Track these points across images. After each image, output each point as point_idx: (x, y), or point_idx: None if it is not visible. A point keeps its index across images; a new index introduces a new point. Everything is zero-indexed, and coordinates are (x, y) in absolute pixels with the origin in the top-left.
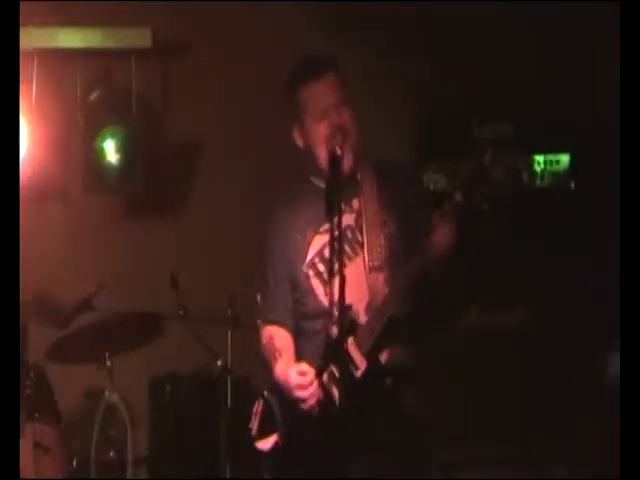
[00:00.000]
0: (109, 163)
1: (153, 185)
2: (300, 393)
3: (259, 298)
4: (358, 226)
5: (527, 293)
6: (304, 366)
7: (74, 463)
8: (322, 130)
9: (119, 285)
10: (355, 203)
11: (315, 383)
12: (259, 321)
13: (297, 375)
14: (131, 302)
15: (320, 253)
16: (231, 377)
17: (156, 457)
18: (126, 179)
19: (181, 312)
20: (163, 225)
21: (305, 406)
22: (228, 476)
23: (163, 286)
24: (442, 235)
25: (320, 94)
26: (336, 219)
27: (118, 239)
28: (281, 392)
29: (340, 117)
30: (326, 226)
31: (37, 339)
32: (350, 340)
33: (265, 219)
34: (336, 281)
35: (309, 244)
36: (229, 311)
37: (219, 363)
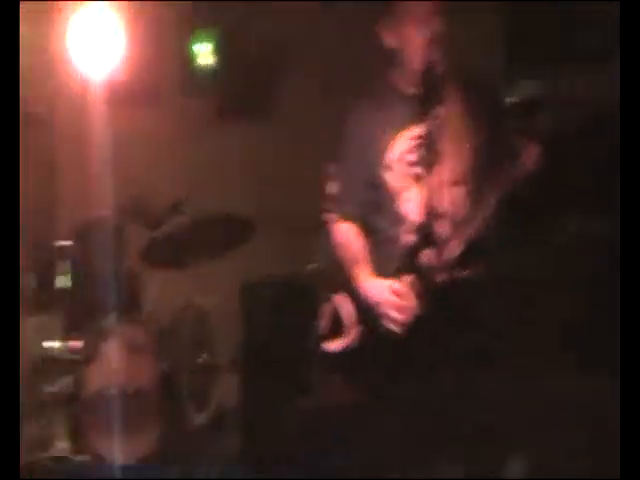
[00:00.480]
0: (203, 66)
1: (246, 88)
2: (395, 314)
3: (332, 189)
4: (442, 135)
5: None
6: (398, 285)
7: (165, 367)
8: (422, 35)
9: (211, 189)
10: (441, 111)
11: (411, 304)
12: (331, 215)
13: (394, 295)
14: (223, 206)
15: (401, 157)
16: (324, 282)
17: (247, 363)
18: (219, 82)
19: (272, 215)
20: (256, 128)
21: (395, 324)
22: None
23: (256, 189)
24: (530, 153)
25: None
26: (422, 125)
27: (211, 143)
28: (354, 294)
29: (440, 25)
30: (410, 130)
31: (133, 243)
32: (428, 252)
33: (348, 118)
34: (416, 188)
35: (390, 146)
36: (323, 214)
37: (312, 267)
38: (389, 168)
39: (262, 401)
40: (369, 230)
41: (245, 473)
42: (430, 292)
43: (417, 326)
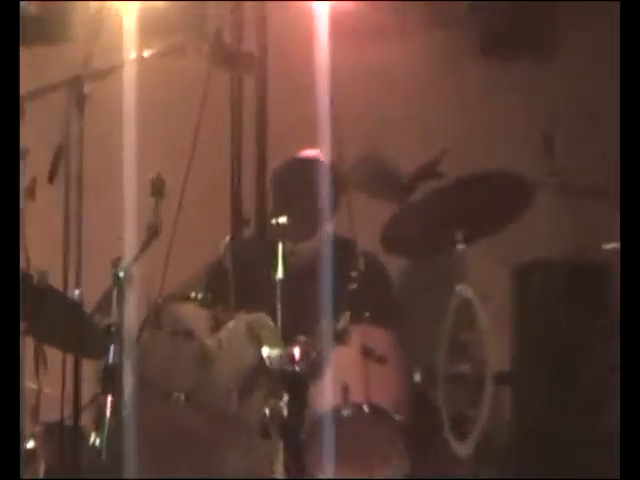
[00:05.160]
0: None
1: (506, 18)
2: None
3: None
4: None
5: None
6: None
7: (417, 377)
8: None
9: (473, 145)
10: None
11: None
12: None
13: None
14: (493, 163)
15: None
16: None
17: (523, 373)
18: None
19: (554, 180)
20: (531, 66)
21: None
22: None
23: (529, 142)
24: None
25: None
26: None
27: (466, 86)
28: None
29: None
30: None
31: (368, 221)
32: None
33: None
34: None
35: None
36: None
37: (610, 246)
38: None
39: (545, 424)
40: None
41: None
42: None
43: None
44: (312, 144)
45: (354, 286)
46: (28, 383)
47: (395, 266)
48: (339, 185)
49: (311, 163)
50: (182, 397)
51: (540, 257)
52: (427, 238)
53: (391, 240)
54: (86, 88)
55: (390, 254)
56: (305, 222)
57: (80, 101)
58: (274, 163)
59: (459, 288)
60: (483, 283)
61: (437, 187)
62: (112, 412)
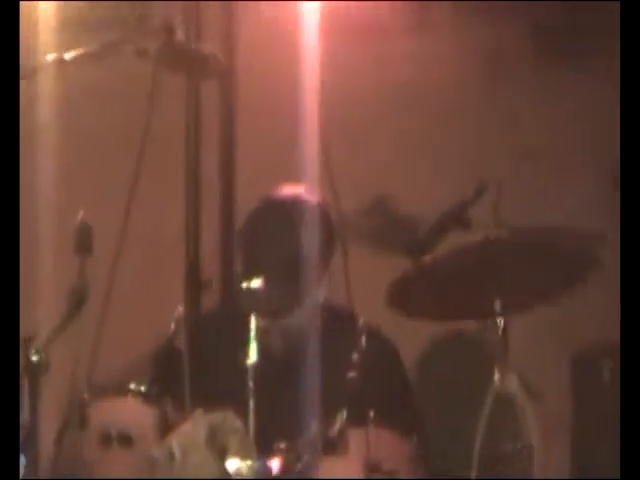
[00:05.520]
0: None
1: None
2: None
3: None
4: None
5: None
6: None
7: None
8: None
9: (519, 184)
10: None
11: None
12: None
13: None
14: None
15: None
16: None
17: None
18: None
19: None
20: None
21: None
22: None
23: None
24: None
25: None
26: None
27: (513, 99)
28: None
29: None
30: None
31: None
32: None
33: None
34: None
35: None
36: None
37: None
38: None
39: None
40: None
41: None
42: None
43: None
44: (294, 178)
45: (354, 375)
46: None
47: (410, 346)
48: (333, 235)
49: (294, 205)
50: None
51: (608, 339)
52: (450, 306)
53: (398, 304)
54: None
55: (400, 318)
56: (287, 286)
57: None
58: (244, 204)
59: (498, 378)
60: (532, 373)
61: (468, 242)
62: None
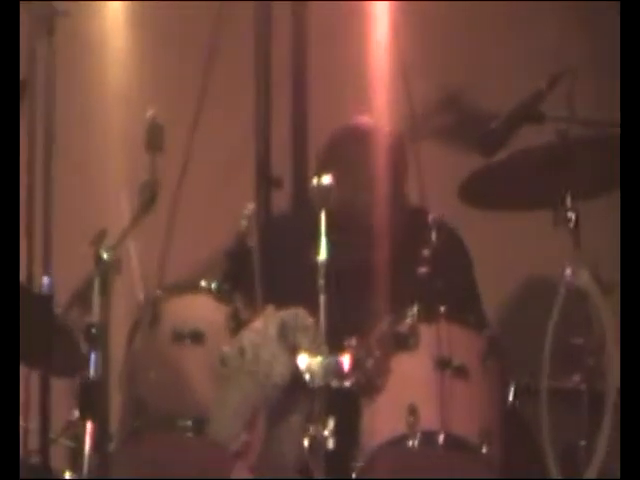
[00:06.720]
0: None
1: None
2: None
3: None
4: None
5: None
6: None
7: (510, 396)
8: None
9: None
10: None
11: None
12: None
13: None
14: None
15: None
16: None
17: None
18: None
19: None
20: None
21: None
22: None
23: None
24: None
25: None
26: None
27: None
28: None
29: None
30: None
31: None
32: None
33: None
34: None
35: None
36: None
37: None
38: None
39: None
40: None
41: None
42: None
43: None
44: (366, 96)
45: (425, 270)
46: None
47: (481, 241)
48: (405, 156)
49: (370, 133)
50: (189, 424)
51: None
52: (524, 198)
53: (469, 196)
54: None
55: (473, 215)
56: (360, 188)
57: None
58: (315, 104)
59: (570, 272)
60: (604, 265)
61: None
62: (93, 445)
